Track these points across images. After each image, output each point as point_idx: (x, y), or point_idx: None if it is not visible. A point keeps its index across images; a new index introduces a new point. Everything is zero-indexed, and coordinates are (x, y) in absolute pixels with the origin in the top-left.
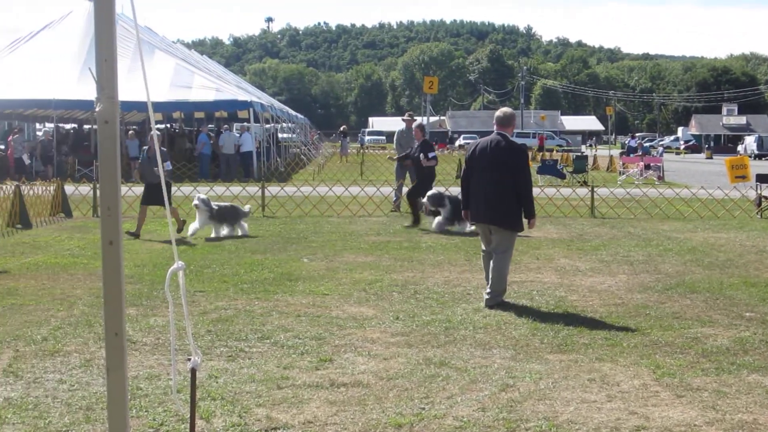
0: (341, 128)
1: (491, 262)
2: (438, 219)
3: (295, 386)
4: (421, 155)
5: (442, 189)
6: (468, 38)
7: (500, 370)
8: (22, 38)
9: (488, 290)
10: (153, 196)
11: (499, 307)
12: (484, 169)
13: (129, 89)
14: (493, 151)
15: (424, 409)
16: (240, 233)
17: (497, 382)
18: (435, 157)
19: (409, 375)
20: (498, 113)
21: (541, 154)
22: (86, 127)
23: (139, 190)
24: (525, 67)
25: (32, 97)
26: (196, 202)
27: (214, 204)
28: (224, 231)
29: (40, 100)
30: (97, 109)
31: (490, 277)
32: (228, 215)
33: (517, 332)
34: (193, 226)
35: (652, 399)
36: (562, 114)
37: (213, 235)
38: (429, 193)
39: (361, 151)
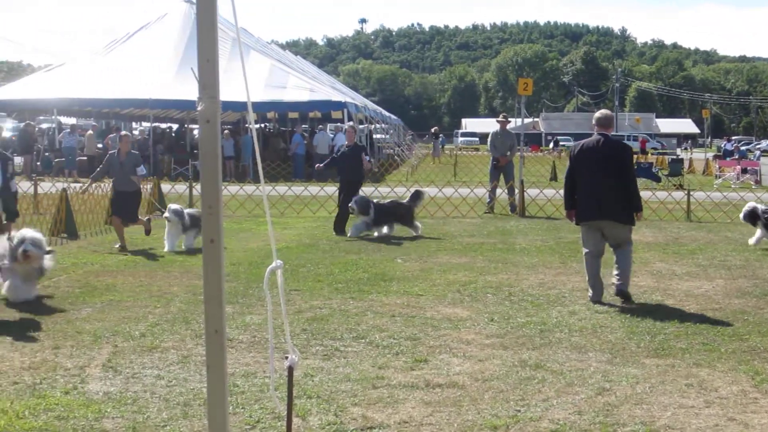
0: (433, 129)
1: (616, 259)
2: (357, 223)
3: (391, 386)
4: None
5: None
6: (562, 40)
7: (596, 374)
8: (119, 39)
9: (618, 281)
10: (124, 207)
11: (595, 310)
12: (594, 169)
13: (224, 89)
14: (602, 150)
15: (519, 411)
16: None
17: (593, 385)
18: (370, 161)
19: (504, 377)
20: (598, 115)
21: (644, 157)
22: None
23: (234, 189)
24: (619, 69)
25: (129, 96)
26: (167, 214)
27: (187, 212)
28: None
29: (136, 99)
30: (198, 109)
31: (619, 272)
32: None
33: (613, 336)
34: (169, 242)
35: (751, 405)
36: (656, 117)
37: (184, 247)
38: (356, 198)
39: (454, 152)
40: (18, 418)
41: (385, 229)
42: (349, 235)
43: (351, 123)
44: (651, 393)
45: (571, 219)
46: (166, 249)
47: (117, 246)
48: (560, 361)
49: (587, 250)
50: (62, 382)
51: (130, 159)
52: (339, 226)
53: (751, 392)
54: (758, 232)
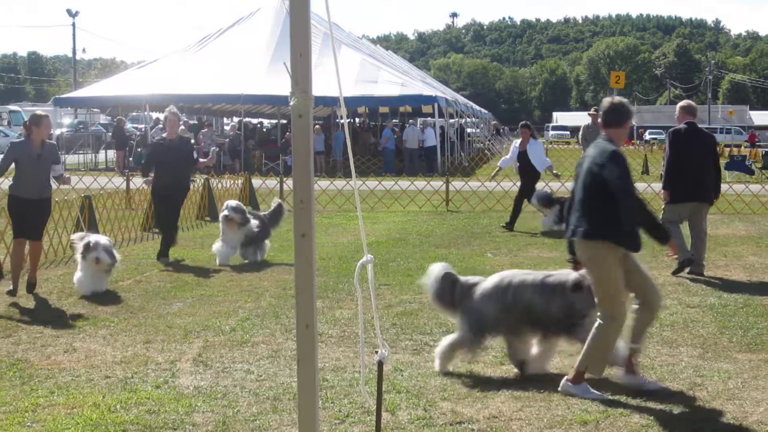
0: (493, 123)
1: (698, 239)
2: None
3: (480, 381)
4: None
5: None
6: (654, 32)
7: (687, 369)
8: (211, 35)
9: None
10: (29, 223)
11: (687, 305)
12: (691, 154)
13: (314, 84)
14: (696, 136)
15: (610, 406)
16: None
17: (685, 380)
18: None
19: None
20: (686, 104)
21: (754, 151)
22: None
23: (324, 184)
24: (712, 62)
25: (221, 92)
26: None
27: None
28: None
29: (228, 95)
30: (291, 103)
31: (700, 249)
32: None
33: (705, 330)
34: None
35: None
36: (750, 109)
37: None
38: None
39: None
40: (110, 412)
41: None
42: (218, 262)
43: (171, 108)
44: (743, 388)
45: (666, 199)
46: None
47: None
48: (651, 355)
49: (672, 220)
50: (153, 376)
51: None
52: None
53: None
54: None
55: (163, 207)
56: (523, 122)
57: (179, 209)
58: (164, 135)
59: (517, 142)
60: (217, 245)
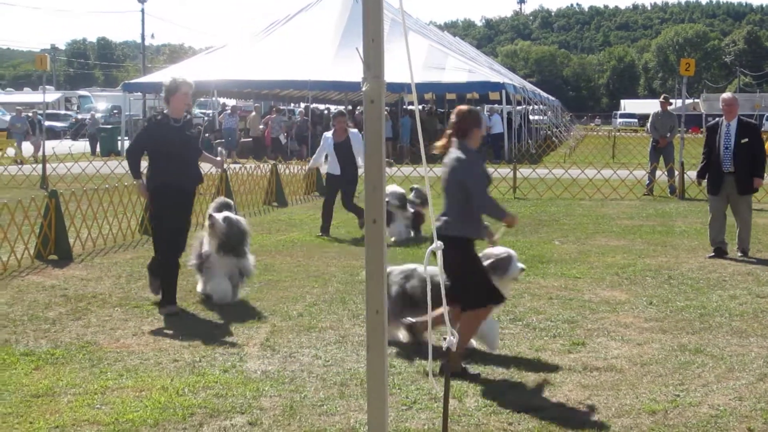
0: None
1: (739, 224)
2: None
3: (548, 369)
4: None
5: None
6: (724, 19)
7: (758, 359)
8: (279, 21)
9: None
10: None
11: (757, 295)
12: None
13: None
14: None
15: (678, 396)
16: None
17: (755, 371)
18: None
19: (663, 361)
20: (730, 97)
21: None
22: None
23: (391, 170)
24: None
25: (288, 78)
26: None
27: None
28: None
29: (295, 81)
30: (363, 89)
31: (744, 237)
32: None
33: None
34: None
35: None
36: None
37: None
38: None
39: (612, 133)
40: (178, 395)
41: None
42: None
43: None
44: None
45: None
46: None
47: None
48: (720, 345)
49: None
50: (221, 360)
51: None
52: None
53: None
54: None
55: (167, 218)
56: (338, 110)
57: (187, 223)
58: (165, 112)
59: (329, 134)
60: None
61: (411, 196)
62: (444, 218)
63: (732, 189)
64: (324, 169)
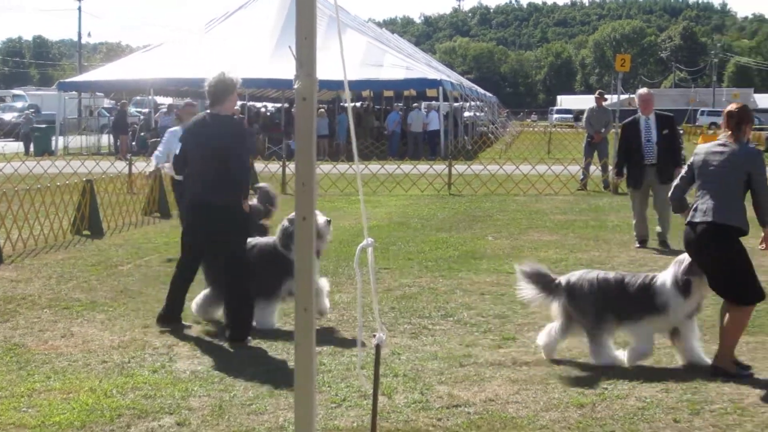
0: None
1: (659, 216)
2: None
3: (477, 364)
4: None
5: None
6: (661, 15)
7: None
8: (217, 19)
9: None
10: None
11: None
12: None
13: (319, 68)
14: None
15: (606, 389)
16: None
17: (681, 363)
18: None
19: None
20: (646, 92)
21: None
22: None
23: (327, 167)
24: (718, 44)
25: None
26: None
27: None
28: None
29: None
30: (295, 87)
31: (664, 229)
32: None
33: (704, 313)
34: None
35: None
36: (755, 92)
37: None
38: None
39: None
40: (106, 397)
41: None
42: None
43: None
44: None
45: (618, 179)
46: None
47: None
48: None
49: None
50: (150, 360)
51: None
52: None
53: None
54: None
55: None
56: (187, 100)
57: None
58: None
59: (177, 130)
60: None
61: (254, 200)
62: (708, 205)
63: (654, 180)
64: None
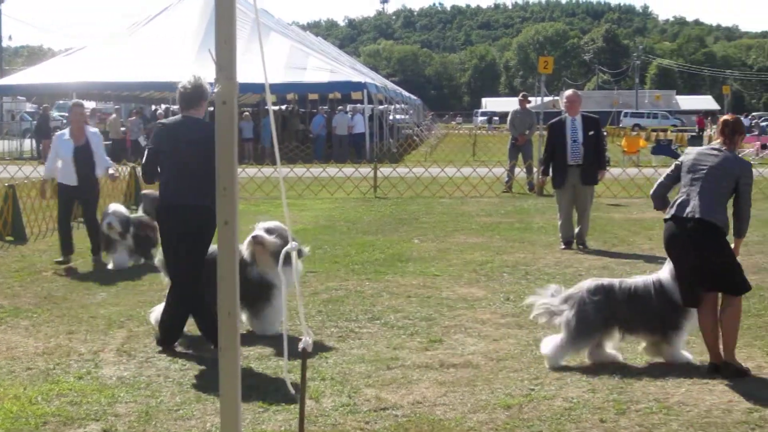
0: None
1: (580, 216)
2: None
3: (405, 367)
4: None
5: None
6: (583, 18)
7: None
8: (140, 22)
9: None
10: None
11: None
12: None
13: (244, 71)
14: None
15: (533, 390)
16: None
17: (608, 363)
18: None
19: (519, 356)
20: (572, 94)
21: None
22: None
23: (252, 171)
24: (640, 47)
25: (149, 79)
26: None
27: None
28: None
29: (156, 82)
30: (215, 90)
31: (583, 230)
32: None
33: None
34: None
35: (767, 381)
36: (677, 94)
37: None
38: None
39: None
40: (31, 404)
41: None
42: None
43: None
44: (664, 370)
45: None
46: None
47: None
48: None
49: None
50: (76, 367)
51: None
52: None
53: (766, 368)
54: None
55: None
56: (75, 100)
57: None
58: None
59: (65, 133)
60: None
61: (139, 211)
62: (696, 203)
63: (577, 180)
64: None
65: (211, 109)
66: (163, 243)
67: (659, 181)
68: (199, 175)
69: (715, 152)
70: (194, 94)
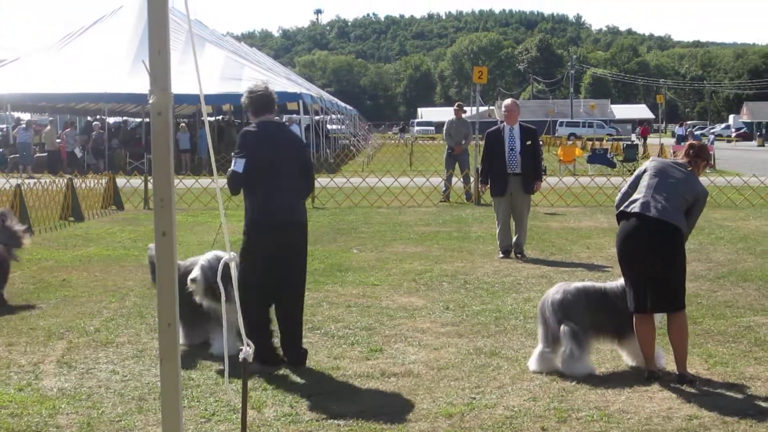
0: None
1: (517, 225)
2: None
3: (346, 376)
4: None
5: None
6: (517, 28)
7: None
8: (74, 33)
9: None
10: None
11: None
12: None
13: (179, 82)
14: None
15: (474, 398)
16: None
17: (548, 372)
18: None
19: (459, 365)
20: (511, 103)
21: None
22: (135, 120)
23: (189, 182)
24: (574, 56)
25: (84, 91)
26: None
27: None
28: None
29: (91, 94)
30: (150, 101)
31: (521, 239)
32: None
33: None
34: None
35: (705, 388)
36: (611, 103)
37: None
38: None
39: (410, 141)
40: None
41: None
42: None
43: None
44: (605, 378)
45: (483, 191)
46: None
47: None
48: (515, 348)
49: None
50: (16, 379)
51: None
52: None
53: (704, 375)
54: None
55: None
56: None
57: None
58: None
59: None
60: None
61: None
62: (662, 205)
63: (517, 189)
64: None
65: (147, 120)
66: (257, 261)
67: (623, 190)
68: (298, 188)
69: (682, 169)
70: (269, 98)
